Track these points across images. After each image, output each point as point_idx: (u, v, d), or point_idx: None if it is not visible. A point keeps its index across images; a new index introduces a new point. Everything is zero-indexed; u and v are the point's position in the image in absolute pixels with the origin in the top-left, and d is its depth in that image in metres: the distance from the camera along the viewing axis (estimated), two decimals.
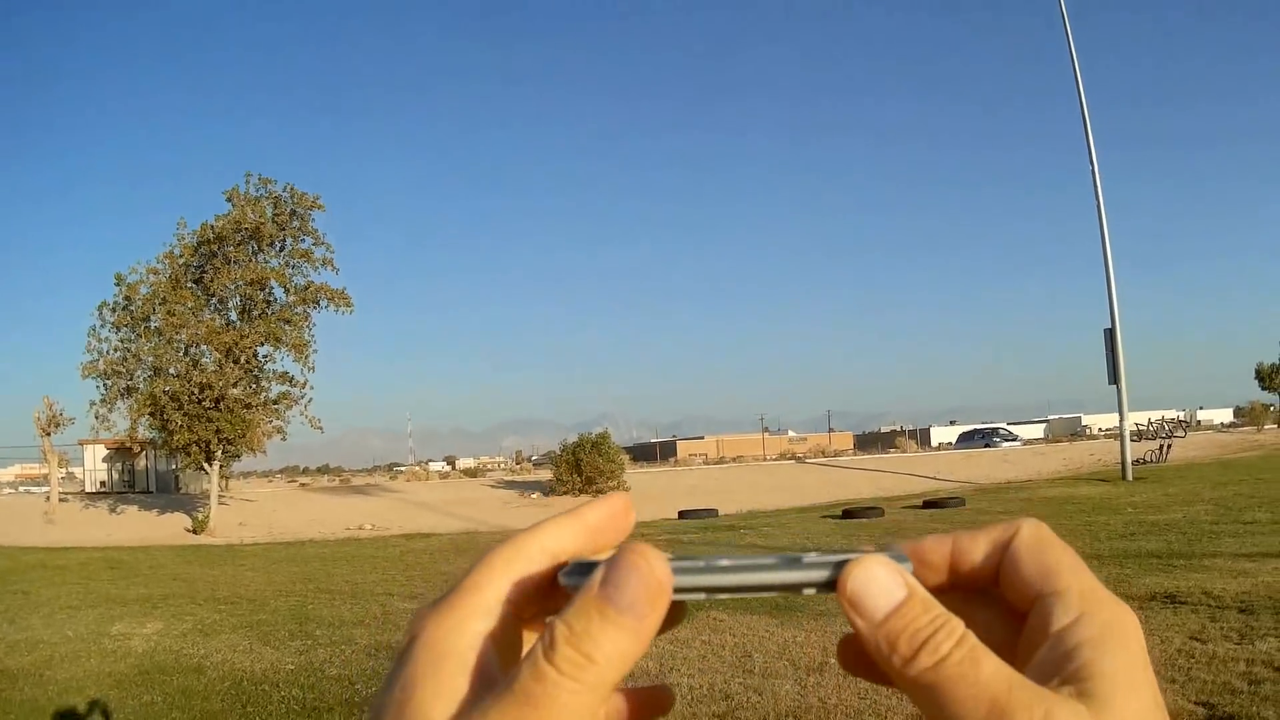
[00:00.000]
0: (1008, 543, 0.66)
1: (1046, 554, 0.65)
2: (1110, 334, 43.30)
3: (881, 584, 0.61)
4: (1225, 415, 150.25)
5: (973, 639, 0.59)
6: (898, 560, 0.64)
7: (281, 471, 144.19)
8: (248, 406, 43.87)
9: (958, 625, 0.60)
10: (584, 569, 0.61)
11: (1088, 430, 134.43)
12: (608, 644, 0.57)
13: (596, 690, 0.57)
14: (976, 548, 0.67)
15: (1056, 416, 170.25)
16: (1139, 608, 11.84)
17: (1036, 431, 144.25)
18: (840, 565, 0.61)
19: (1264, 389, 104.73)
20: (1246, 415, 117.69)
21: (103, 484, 68.57)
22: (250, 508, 51.34)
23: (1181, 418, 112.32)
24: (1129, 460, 41.09)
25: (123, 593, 21.21)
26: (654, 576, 0.58)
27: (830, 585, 0.61)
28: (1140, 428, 78.18)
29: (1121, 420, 43.46)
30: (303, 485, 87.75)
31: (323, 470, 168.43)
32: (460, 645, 0.60)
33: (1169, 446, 54.96)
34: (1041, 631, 0.60)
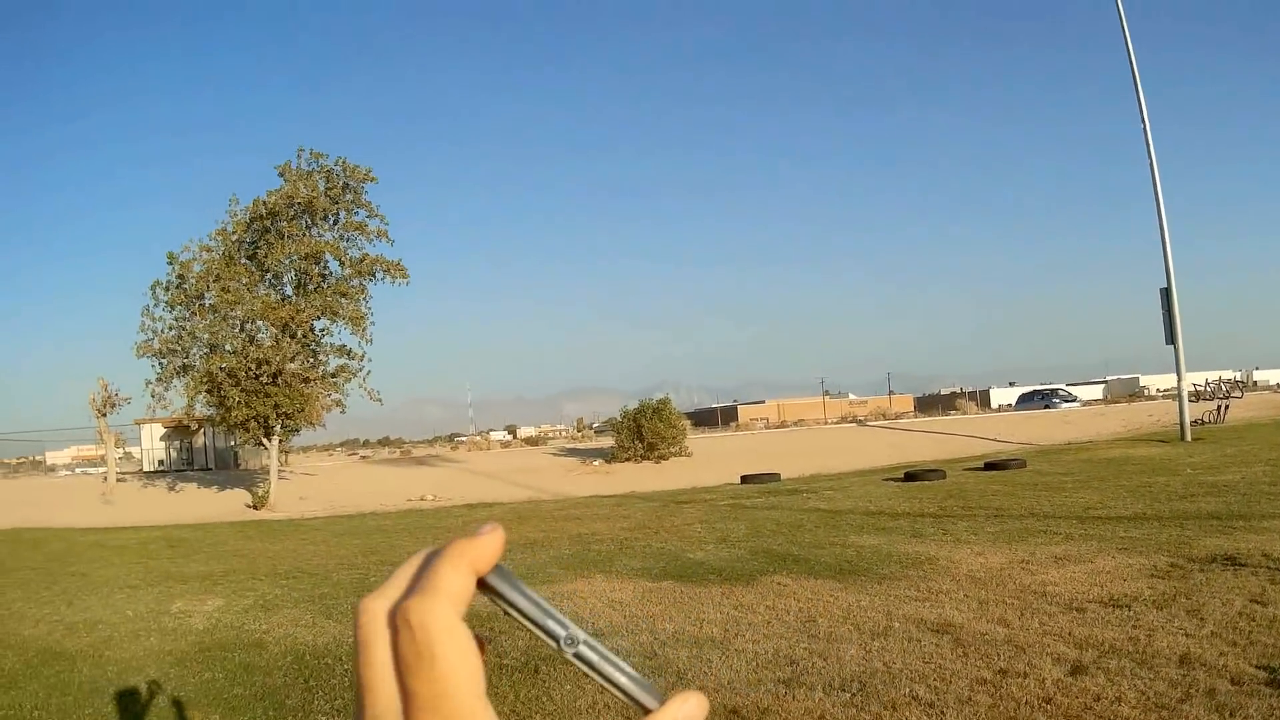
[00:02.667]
0: None
1: None
2: (1166, 293, 42.67)
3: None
4: None
5: None
6: None
7: (341, 444, 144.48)
8: (306, 380, 43.85)
9: None
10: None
11: (1145, 391, 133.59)
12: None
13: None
14: None
15: (1114, 377, 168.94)
16: (1200, 570, 12.59)
17: (1095, 392, 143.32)
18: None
19: None
20: None
21: (161, 463, 68.91)
22: (310, 481, 51.48)
23: (1238, 378, 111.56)
24: (1187, 421, 40.71)
25: (182, 570, 21.04)
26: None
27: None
28: (1198, 388, 77.60)
29: (1179, 381, 42.72)
30: (363, 457, 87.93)
31: (383, 442, 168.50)
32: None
33: (1226, 407, 54.86)
34: None
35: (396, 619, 0.66)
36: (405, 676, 0.64)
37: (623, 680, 0.75)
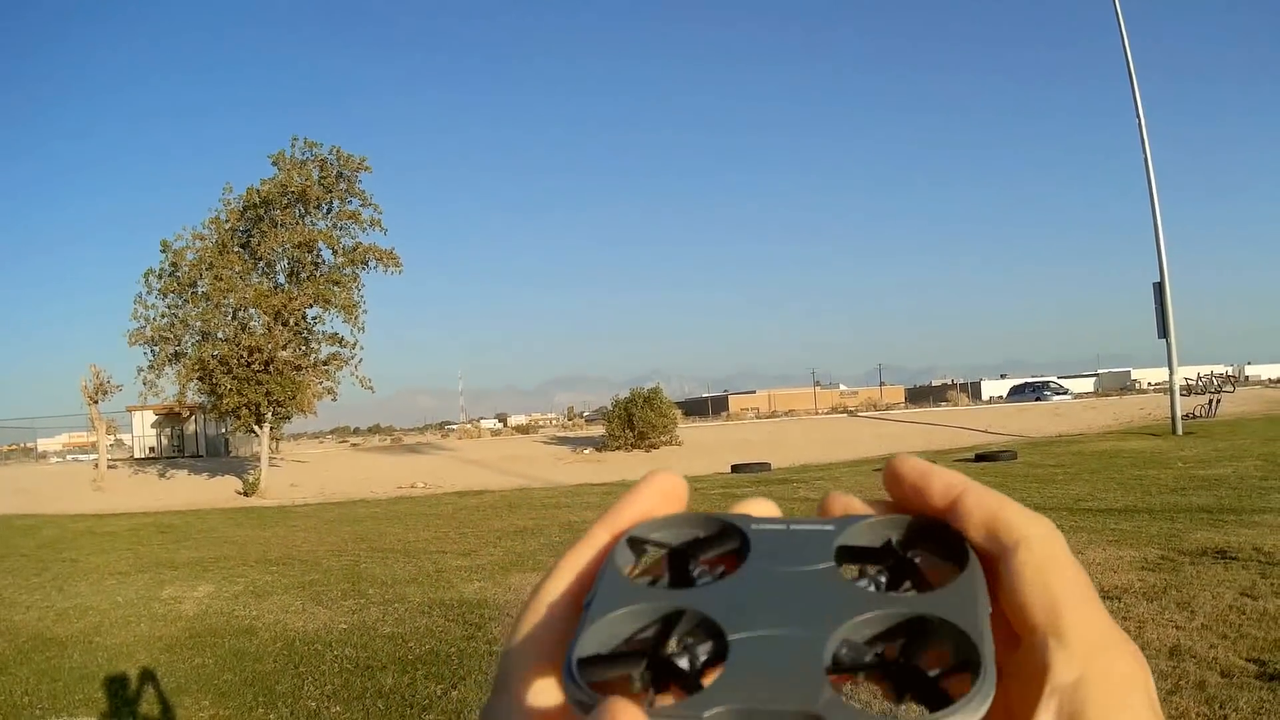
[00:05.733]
0: (1012, 547, 0.58)
1: (1052, 581, 0.56)
2: (1159, 288, 42.60)
3: None
4: (1273, 371, 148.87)
5: None
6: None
7: (332, 432, 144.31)
8: (298, 368, 43.91)
9: None
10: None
11: (1137, 384, 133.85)
12: None
13: None
14: (968, 530, 0.61)
15: (1106, 370, 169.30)
16: (1190, 563, 12.73)
17: (1087, 385, 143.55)
18: None
19: None
20: None
21: (151, 450, 68.98)
22: (302, 469, 51.49)
23: (1230, 373, 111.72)
24: (1179, 415, 40.72)
25: (173, 556, 21.08)
26: None
27: None
28: (1189, 382, 77.78)
29: (1171, 375, 43.01)
30: (354, 445, 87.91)
31: (374, 430, 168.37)
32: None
33: (1218, 401, 54.68)
34: (1039, 675, 0.53)
35: None
36: None
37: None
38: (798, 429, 67.10)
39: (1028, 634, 0.55)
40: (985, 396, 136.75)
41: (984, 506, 0.60)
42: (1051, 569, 0.56)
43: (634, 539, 0.61)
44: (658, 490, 0.64)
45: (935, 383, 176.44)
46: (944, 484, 0.62)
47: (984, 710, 0.51)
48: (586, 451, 56.99)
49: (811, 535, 0.61)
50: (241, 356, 42.20)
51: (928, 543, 0.62)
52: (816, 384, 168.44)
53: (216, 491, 42.69)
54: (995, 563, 0.58)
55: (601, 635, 0.56)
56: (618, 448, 55.90)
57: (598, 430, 66.86)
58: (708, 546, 0.62)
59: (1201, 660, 8.53)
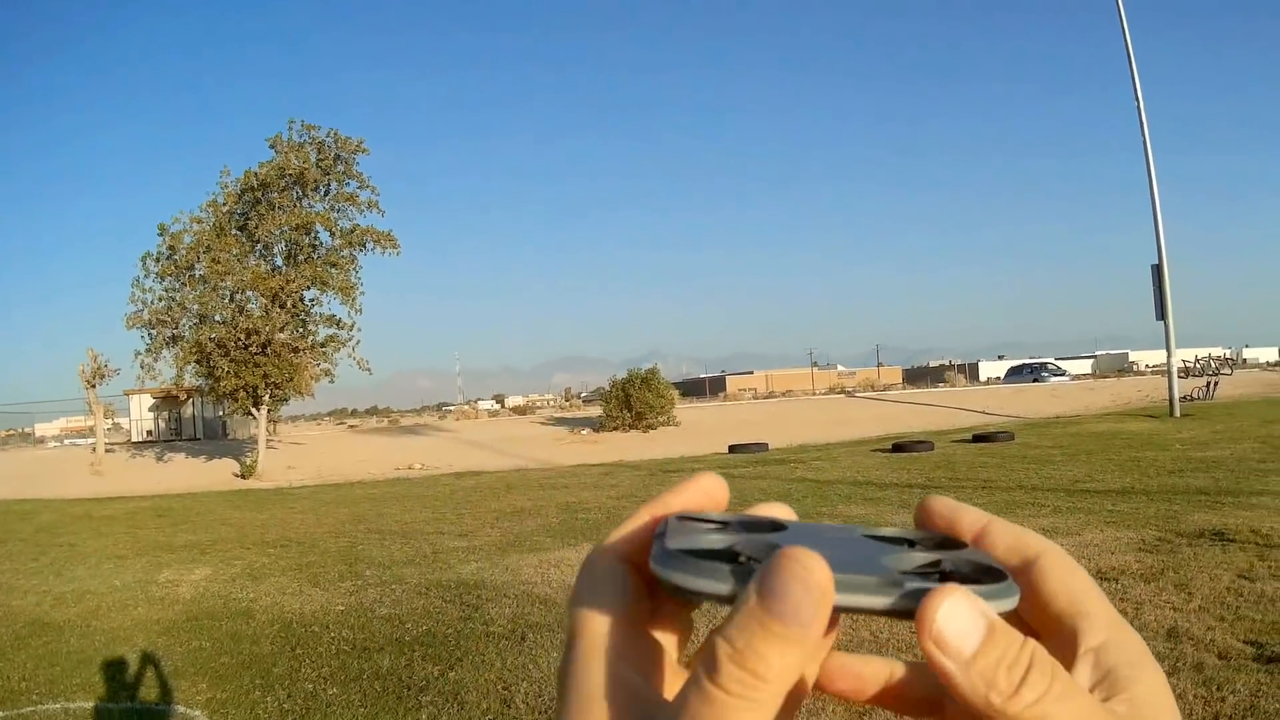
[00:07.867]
0: (1035, 558, 0.66)
1: (1071, 580, 0.65)
2: (1158, 270, 42.62)
3: (964, 619, 0.56)
4: (1271, 354, 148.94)
5: (1061, 669, 0.56)
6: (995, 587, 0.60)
7: (330, 414, 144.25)
8: (295, 350, 43.92)
9: (1044, 655, 0.56)
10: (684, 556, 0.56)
11: (1135, 366, 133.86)
12: (775, 659, 0.51)
13: (767, 706, 0.52)
14: (996, 550, 0.68)
15: (1104, 352, 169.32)
16: (1188, 545, 12.69)
17: (1084, 367, 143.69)
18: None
19: None
20: None
21: (149, 433, 69.01)
22: (299, 451, 51.62)
23: (1228, 355, 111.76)
24: (1176, 397, 40.77)
25: (170, 540, 21.07)
26: (815, 581, 0.52)
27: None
28: (1187, 364, 77.78)
29: (1169, 357, 42.80)
30: (351, 427, 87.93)
31: (371, 412, 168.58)
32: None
33: (1216, 384, 54.78)
34: (1070, 647, 0.61)
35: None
36: None
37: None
38: (795, 410, 67.20)
39: (1056, 620, 0.64)
40: (983, 377, 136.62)
41: (1009, 532, 0.67)
42: (1070, 572, 0.65)
43: (684, 516, 0.63)
44: (702, 489, 0.67)
45: (933, 363, 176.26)
46: (971, 518, 0.69)
47: (1017, 598, 0.60)
48: (584, 432, 57.20)
49: (845, 530, 0.67)
50: (239, 339, 42.27)
51: (959, 559, 0.65)
52: (814, 365, 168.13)
53: (214, 474, 42.73)
54: (1021, 573, 0.65)
55: (682, 539, 0.58)
56: (615, 428, 56.06)
57: (595, 411, 66.95)
58: (750, 530, 0.63)
59: (1199, 642, 8.48)
